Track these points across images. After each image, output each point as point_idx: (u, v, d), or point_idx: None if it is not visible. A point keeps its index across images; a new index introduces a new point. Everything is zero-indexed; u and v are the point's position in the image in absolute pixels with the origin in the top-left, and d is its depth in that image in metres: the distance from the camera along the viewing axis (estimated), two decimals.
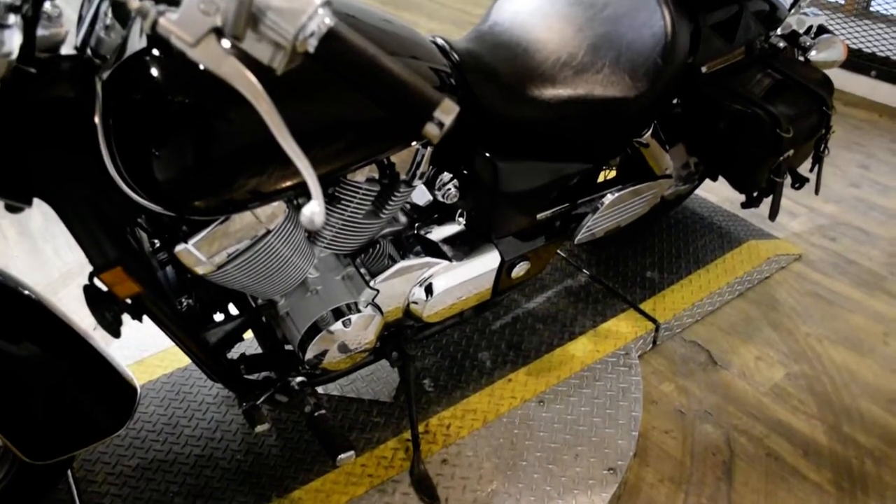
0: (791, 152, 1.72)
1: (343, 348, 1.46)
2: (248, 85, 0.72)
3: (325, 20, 0.72)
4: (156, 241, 1.32)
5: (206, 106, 1.04)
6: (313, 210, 0.71)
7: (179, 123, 1.04)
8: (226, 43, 0.72)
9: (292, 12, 0.71)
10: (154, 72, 1.02)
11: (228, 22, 0.71)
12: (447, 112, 0.72)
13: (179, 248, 1.20)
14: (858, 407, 1.90)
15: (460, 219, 1.60)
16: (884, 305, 2.23)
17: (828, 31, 2.03)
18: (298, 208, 1.36)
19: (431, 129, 0.72)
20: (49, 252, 2.41)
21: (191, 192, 1.08)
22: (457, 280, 1.57)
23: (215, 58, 0.72)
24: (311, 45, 0.72)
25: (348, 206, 1.32)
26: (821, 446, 1.79)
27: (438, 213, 1.60)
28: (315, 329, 1.41)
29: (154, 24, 0.72)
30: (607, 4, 1.61)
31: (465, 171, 1.50)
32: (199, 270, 1.24)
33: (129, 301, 1.28)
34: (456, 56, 1.43)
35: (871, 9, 3.44)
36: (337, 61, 0.72)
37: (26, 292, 1.27)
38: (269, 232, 1.25)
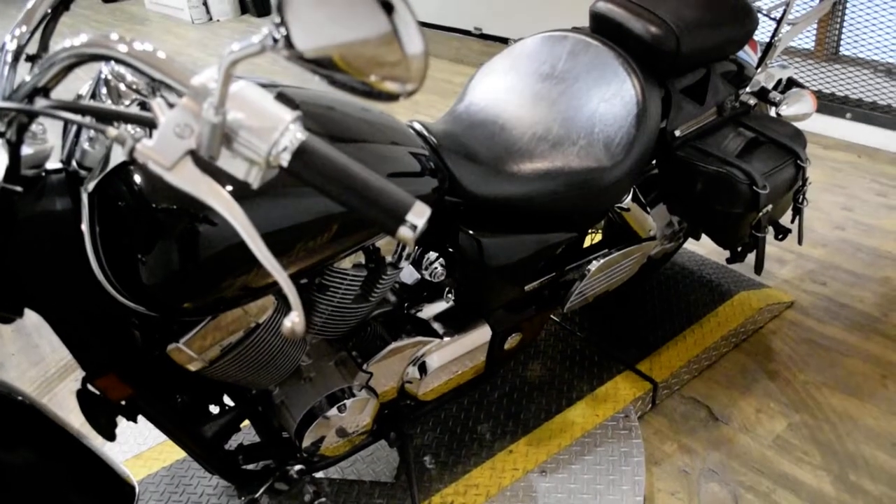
0: (770, 207, 1.75)
1: (341, 433, 1.46)
2: (225, 204, 0.74)
3: (297, 135, 0.74)
4: (148, 340, 1.33)
5: (189, 211, 1.06)
6: (294, 320, 0.72)
7: (164, 229, 1.06)
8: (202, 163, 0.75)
9: (264, 130, 0.74)
10: (137, 180, 1.05)
11: (203, 144, 0.74)
12: (419, 215, 0.74)
13: (171, 347, 1.21)
14: (863, 454, 1.89)
15: (449, 295, 1.61)
16: (879, 348, 2.23)
17: (797, 84, 2.08)
18: (286, 299, 1.38)
19: (405, 233, 0.74)
20: (45, 348, 2.41)
21: (179, 295, 1.10)
22: (450, 357, 1.58)
23: (191, 180, 0.74)
24: (285, 160, 0.74)
25: (336, 293, 1.34)
26: (829, 498, 1.77)
27: (427, 291, 1.62)
28: (311, 416, 1.41)
29: (131, 151, 0.74)
30: (578, 77, 1.66)
31: (450, 249, 1.52)
32: (192, 367, 1.25)
33: (123, 403, 1.28)
34: (433, 139, 1.47)
35: (841, 52, 3.52)
36: (309, 173, 0.74)
37: (19, 398, 1.28)
38: (259, 325, 1.26)
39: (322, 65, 0.70)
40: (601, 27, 1.74)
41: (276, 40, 0.69)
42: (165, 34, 6.43)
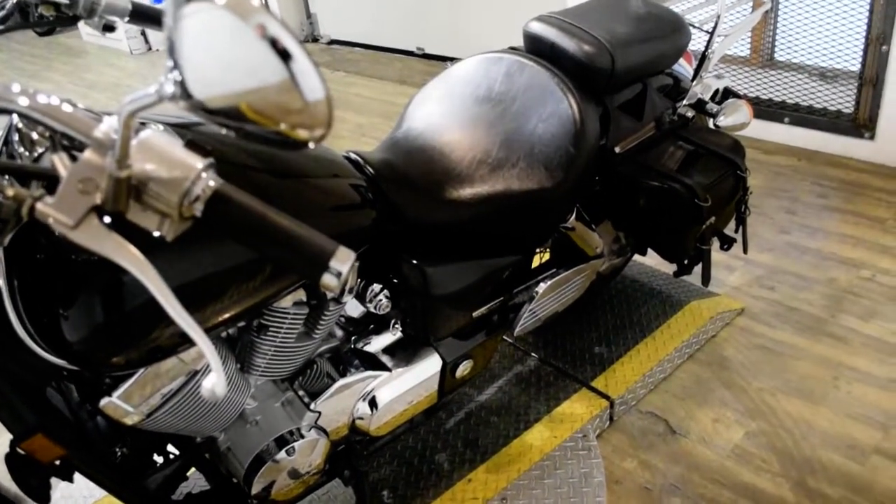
0: (713, 219, 1.75)
1: (292, 475, 1.41)
2: (134, 262, 0.70)
3: (209, 183, 0.71)
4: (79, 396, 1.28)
5: (110, 261, 1.02)
6: (213, 382, 0.68)
7: (85, 281, 1.01)
8: (107, 219, 0.70)
9: (174, 180, 0.70)
10: (55, 232, 1.00)
11: (109, 199, 0.70)
12: (343, 261, 0.71)
13: (104, 401, 1.16)
14: (820, 458, 1.89)
15: (396, 326, 1.58)
16: (829, 349, 2.26)
17: (733, 93, 2.10)
18: (228, 340, 1.34)
19: (329, 281, 0.70)
20: None
21: (106, 350, 1.05)
22: (400, 389, 1.55)
23: (97, 237, 0.70)
24: (198, 210, 0.71)
25: (278, 333, 1.30)
26: None
27: (373, 323, 1.58)
28: (259, 461, 1.36)
29: (31, 211, 0.70)
30: (514, 99, 1.64)
31: (394, 280, 1.49)
32: (128, 421, 1.19)
33: (56, 462, 1.22)
34: (370, 169, 1.44)
35: (776, 58, 3.59)
36: (225, 223, 0.71)
37: None
38: (196, 372, 1.21)
39: (228, 116, 0.66)
40: (536, 47, 1.74)
41: (172, 89, 0.65)
42: (104, 66, 6.30)
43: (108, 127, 0.71)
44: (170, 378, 1.18)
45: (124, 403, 1.16)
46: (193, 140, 0.69)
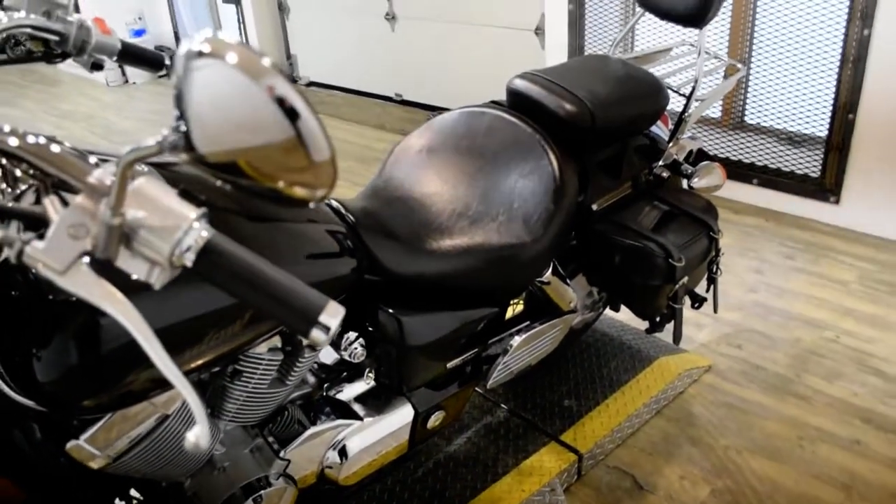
0: (686, 279, 1.78)
1: None
2: (122, 309, 0.70)
3: (201, 233, 0.71)
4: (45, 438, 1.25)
5: (87, 303, 1.00)
6: (198, 434, 0.68)
7: (61, 322, 1.00)
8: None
9: (166, 229, 0.70)
10: (31, 270, 0.98)
11: (99, 245, 0.69)
12: (332, 316, 0.71)
13: (70, 444, 1.13)
14: None
15: (369, 375, 1.57)
16: (795, 409, 2.28)
17: (706, 155, 2.15)
18: (199, 384, 1.32)
19: (317, 336, 0.71)
20: None
21: (79, 392, 1.03)
22: (371, 439, 1.53)
23: (85, 284, 0.69)
24: (189, 260, 0.70)
25: (251, 378, 1.28)
26: None
27: (346, 371, 1.57)
28: None
29: (19, 254, 0.69)
30: (496, 154, 1.67)
31: (370, 329, 1.49)
32: (95, 465, 1.17)
33: None
34: (351, 217, 1.45)
35: (746, 121, 3.69)
36: (215, 274, 0.71)
37: None
38: (167, 417, 1.19)
39: (226, 170, 0.67)
40: (518, 103, 1.77)
41: (175, 141, 0.66)
42: (79, 96, 6.27)
43: (103, 174, 0.71)
44: (139, 422, 1.16)
45: (91, 447, 1.14)
46: (186, 189, 0.70)
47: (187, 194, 0.70)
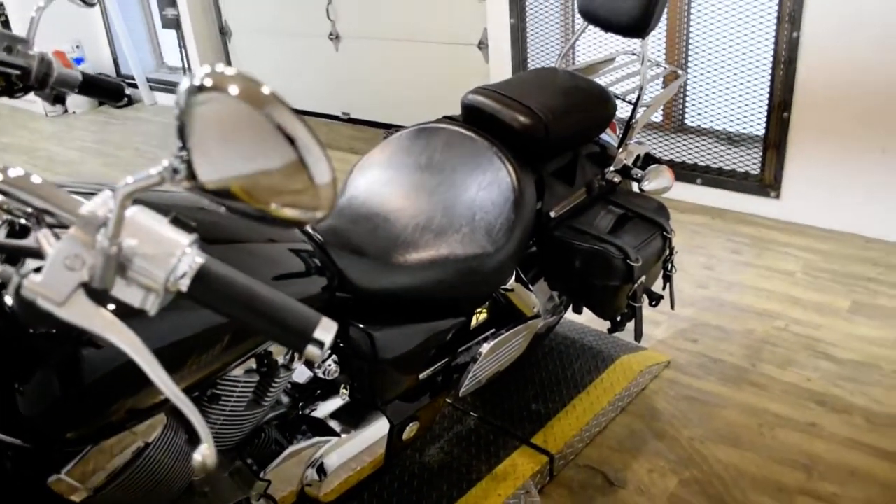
0: (643, 278, 1.85)
1: None
2: (124, 337, 0.71)
3: (195, 259, 0.73)
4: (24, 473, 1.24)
5: (70, 334, 1.01)
6: (204, 454, 0.70)
7: (43, 355, 1.00)
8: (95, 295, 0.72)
9: (161, 256, 0.72)
10: (9, 303, 0.99)
11: (96, 275, 0.71)
12: (327, 330, 0.74)
13: (52, 478, 1.13)
14: (751, 502, 1.97)
15: (344, 391, 1.59)
16: (752, 397, 2.37)
17: (654, 158, 2.23)
18: (176, 412, 1.32)
19: (312, 351, 0.73)
20: None
21: (61, 425, 1.03)
22: (349, 454, 1.55)
23: (85, 314, 0.71)
24: (184, 286, 0.73)
25: (228, 401, 1.30)
26: None
27: (321, 388, 1.59)
28: None
29: (18, 289, 0.71)
30: (455, 167, 1.71)
31: (342, 345, 1.51)
32: (76, 498, 1.16)
33: None
34: (318, 235, 1.47)
35: (686, 123, 3.81)
36: (211, 297, 0.73)
37: None
38: (148, 445, 1.20)
39: (221, 195, 0.69)
40: (473, 117, 1.82)
41: (176, 171, 0.68)
42: (18, 128, 6.13)
43: (95, 205, 0.72)
44: (120, 452, 1.16)
45: (73, 480, 1.13)
46: (178, 217, 0.72)
47: (179, 221, 0.73)
